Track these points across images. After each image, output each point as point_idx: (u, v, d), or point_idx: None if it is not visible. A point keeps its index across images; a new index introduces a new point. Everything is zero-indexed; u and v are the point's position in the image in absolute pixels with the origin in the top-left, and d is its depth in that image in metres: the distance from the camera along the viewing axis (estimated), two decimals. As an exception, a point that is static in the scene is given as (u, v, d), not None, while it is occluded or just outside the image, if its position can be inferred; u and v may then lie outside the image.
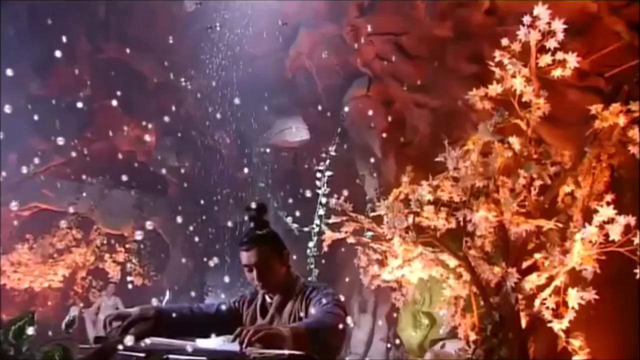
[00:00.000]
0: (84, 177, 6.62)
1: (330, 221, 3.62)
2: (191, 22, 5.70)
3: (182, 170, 6.56)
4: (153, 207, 6.99)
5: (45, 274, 6.76)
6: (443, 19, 5.14)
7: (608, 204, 2.93)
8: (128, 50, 5.68)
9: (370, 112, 5.39)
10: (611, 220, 2.53)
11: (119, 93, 5.96)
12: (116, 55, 6.12)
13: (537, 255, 3.22)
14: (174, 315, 1.87)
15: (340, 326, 1.64)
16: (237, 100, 4.55)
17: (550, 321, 2.61)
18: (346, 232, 3.58)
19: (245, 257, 1.88)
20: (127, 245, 7.09)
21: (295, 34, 5.54)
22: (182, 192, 6.71)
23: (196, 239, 6.83)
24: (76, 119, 6.13)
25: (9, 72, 3.48)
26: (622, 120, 2.75)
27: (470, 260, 3.25)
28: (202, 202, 6.43)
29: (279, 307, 1.87)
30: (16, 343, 1.31)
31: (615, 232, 2.49)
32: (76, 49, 5.89)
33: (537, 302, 2.70)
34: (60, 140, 4.99)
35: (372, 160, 5.45)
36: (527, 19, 2.86)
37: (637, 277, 2.44)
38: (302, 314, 1.80)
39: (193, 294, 6.18)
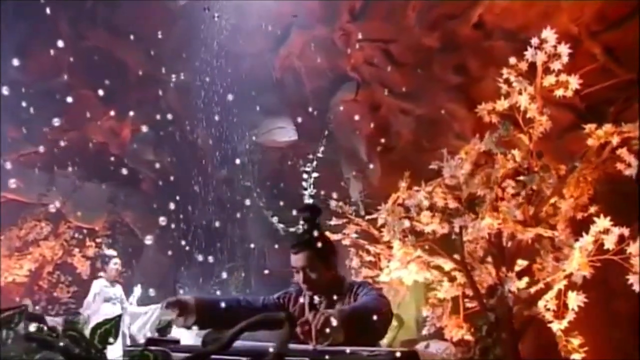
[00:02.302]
0: (55, 168, 6.36)
1: (332, 223, 3.71)
2: (182, 16, 5.61)
3: (159, 165, 6.44)
4: (126, 201, 6.81)
5: (11, 267, 6.43)
6: (432, 29, 5.33)
7: (594, 215, 3.23)
8: (115, 39, 5.49)
9: (357, 117, 5.50)
10: (606, 231, 2.76)
11: (98, 82, 5.77)
12: (100, 44, 5.92)
13: (520, 262, 3.46)
14: (223, 307, 1.91)
15: (383, 310, 1.75)
16: (230, 97, 4.55)
17: (550, 322, 2.83)
18: (346, 234, 3.68)
19: (294, 259, 1.95)
20: (97, 240, 6.87)
21: (287, 34, 5.57)
22: (158, 188, 6.58)
23: (171, 235, 6.73)
24: (51, 106, 5.88)
25: (15, 62, 3.32)
26: (615, 140, 2.99)
27: (466, 264, 3.43)
28: (178, 198, 6.33)
29: (328, 307, 1.95)
30: (102, 348, 1.31)
31: (609, 242, 2.73)
32: (58, 34, 5.65)
33: (541, 304, 2.91)
34: (56, 122, 4.76)
35: (357, 163, 5.58)
36: (535, 41, 3.06)
37: (629, 282, 2.68)
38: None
39: (181, 291, 6.08)
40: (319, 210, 2.01)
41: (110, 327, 1.32)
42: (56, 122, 4.75)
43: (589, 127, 3.15)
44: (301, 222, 2.01)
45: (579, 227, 3.40)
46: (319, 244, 1.96)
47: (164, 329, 1.40)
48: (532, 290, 2.96)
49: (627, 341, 3.77)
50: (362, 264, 4.05)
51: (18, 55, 5.37)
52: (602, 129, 3.07)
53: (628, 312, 3.86)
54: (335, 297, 1.94)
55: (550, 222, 3.50)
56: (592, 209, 3.34)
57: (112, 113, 6.47)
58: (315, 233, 1.95)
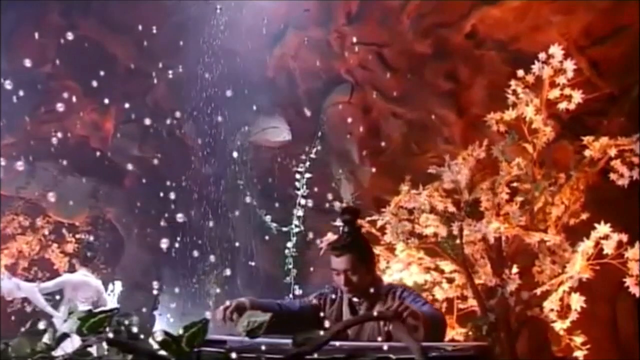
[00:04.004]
0: (31, 159, 6.14)
1: (338, 224, 3.77)
2: (176, 11, 5.54)
3: (145, 161, 6.32)
4: (108, 197, 6.66)
5: (-12, 262, 6.17)
6: (425, 36, 5.47)
7: (585, 221, 3.47)
8: (105, 30, 5.33)
9: (350, 119, 5.58)
10: (606, 237, 2.95)
11: (84, 74, 5.63)
12: (90, 34, 5.75)
13: (515, 268, 3.64)
14: (266, 309, 1.92)
15: (446, 324, 1.84)
16: (228, 93, 4.53)
17: (554, 321, 3.01)
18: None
19: (335, 262, 1.99)
20: (77, 236, 6.68)
21: (282, 34, 5.59)
22: (141, 184, 6.46)
23: (153, 233, 6.62)
24: (33, 97, 5.67)
25: (27, 63, 3.22)
26: (613, 152, 3.19)
27: (467, 266, 3.57)
28: (161, 194, 6.23)
29: (369, 308, 2.01)
30: (190, 350, 1.31)
31: (609, 247, 2.92)
32: (47, 21, 5.44)
33: (547, 305, 3.08)
34: (60, 107, 4.57)
35: (348, 165, 5.66)
36: (542, 56, 3.22)
37: (626, 284, 2.88)
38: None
39: (177, 289, 5.99)
40: (358, 212, 2.06)
41: (198, 330, 1.33)
42: (60, 107, 4.57)
43: (587, 139, 3.34)
44: (342, 225, 2.05)
45: (571, 233, 3.62)
46: (360, 247, 2.01)
47: (254, 330, 1.39)
48: (538, 291, 3.13)
49: (607, 341, 4.02)
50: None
51: (7, 44, 5.17)
52: (599, 141, 3.26)
53: (607, 314, 4.12)
54: (375, 301, 2.00)
55: (541, 226, 3.69)
56: (584, 216, 3.56)
57: (96, 105, 6.30)
58: (356, 236, 2.00)
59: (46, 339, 1.41)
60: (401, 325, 1.08)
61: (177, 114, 6.02)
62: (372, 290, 2.00)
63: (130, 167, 6.26)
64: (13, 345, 1.34)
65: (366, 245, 2.08)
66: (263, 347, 1.56)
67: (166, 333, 1.24)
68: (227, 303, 1.85)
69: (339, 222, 3.99)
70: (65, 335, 1.28)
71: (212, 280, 7.01)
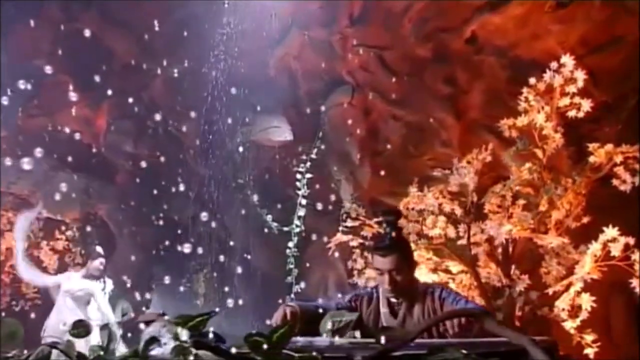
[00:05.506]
0: (20, 154, 5.99)
1: (349, 225, 3.82)
2: (178, 8, 5.48)
3: (140, 158, 6.24)
4: (101, 193, 6.53)
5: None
6: (426, 40, 5.56)
7: (586, 224, 3.61)
8: (105, 25, 5.23)
9: (350, 121, 5.63)
10: (613, 240, 3.08)
11: (79, 68, 5.53)
12: (90, 28, 5.63)
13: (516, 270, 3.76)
14: (309, 312, 1.95)
15: None
16: (233, 90, 4.54)
17: (564, 320, 3.13)
18: (364, 237, 3.81)
19: (380, 262, 2.03)
20: (67, 233, 6.53)
21: (285, 35, 5.60)
22: (135, 181, 6.38)
23: (146, 231, 6.55)
24: (25, 90, 5.53)
25: (48, 69, 3.17)
26: (619, 159, 3.33)
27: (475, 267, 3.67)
28: (155, 192, 6.17)
29: (408, 308, 2.06)
30: (278, 352, 1.32)
31: (616, 249, 3.05)
32: (46, 14, 5.30)
33: (559, 305, 3.19)
34: (74, 97, 4.47)
35: (348, 166, 5.71)
36: (554, 65, 3.34)
37: (632, 285, 3.01)
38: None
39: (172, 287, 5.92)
40: (400, 213, 2.11)
41: (287, 330, 1.34)
42: (73, 97, 4.49)
43: (592, 145, 3.47)
44: (384, 225, 2.09)
45: (572, 235, 3.76)
46: (404, 247, 2.06)
47: (340, 330, 1.41)
48: (550, 291, 3.24)
49: (604, 339, 4.18)
50: (367, 265, 4.20)
51: (5, 38, 5.03)
52: (604, 148, 3.39)
53: (603, 314, 4.29)
54: (414, 301, 2.04)
55: (541, 229, 3.82)
56: (585, 219, 3.70)
57: (87, 101, 6.19)
58: (399, 236, 2.05)
59: (98, 341, 1.40)
60: (495, 321, 1.12)
61: (176, 111, 5.96)
62: (411, 290, 2.05)
63: (131, 165, 6.17)
64: (61, 347, 1.33)
65: (408, 246, 2.14)
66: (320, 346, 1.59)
67: (258, 334, 1.24)
68: (282, 312, 1.84)
69: (348, 223, 4.06)
70: (154, 339, 1.27)
71: (201, 279, 6.97)
